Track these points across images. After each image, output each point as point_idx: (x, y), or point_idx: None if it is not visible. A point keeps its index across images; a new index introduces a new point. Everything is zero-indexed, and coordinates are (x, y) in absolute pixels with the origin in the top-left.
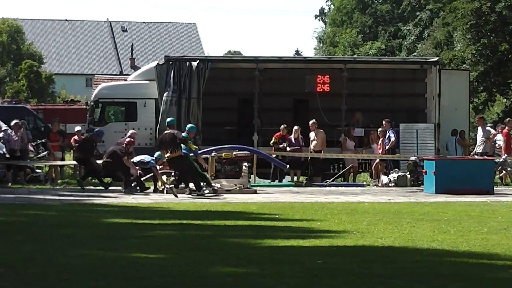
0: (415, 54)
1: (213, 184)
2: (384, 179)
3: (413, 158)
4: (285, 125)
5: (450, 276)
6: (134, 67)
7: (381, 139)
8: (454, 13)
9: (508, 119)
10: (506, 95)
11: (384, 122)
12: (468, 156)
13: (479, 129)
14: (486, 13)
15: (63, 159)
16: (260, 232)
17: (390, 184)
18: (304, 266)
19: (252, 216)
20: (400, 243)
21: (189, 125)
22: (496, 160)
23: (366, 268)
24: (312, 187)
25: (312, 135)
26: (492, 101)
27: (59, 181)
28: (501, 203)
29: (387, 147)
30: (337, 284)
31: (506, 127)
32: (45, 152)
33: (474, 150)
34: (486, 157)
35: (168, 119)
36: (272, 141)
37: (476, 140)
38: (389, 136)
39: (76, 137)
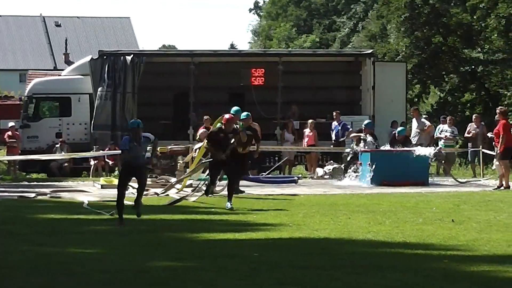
0: (350, 46)
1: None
2: (320, 171)
3: (347, 150)
4: (208, 117)
5: (387, 267)
6: (68, 62)
7: (311, 131)
8: (388, 6)
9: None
10: (441, 86)
11: (334, 113)
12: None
13: (414, 120)
14: (419, 5)
15: None
16: (196, 226)
17: (325, 176)
18: (243, 259)
19: (188, 210)
20: (336, 234)
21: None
22: (433, 152)
23: (304, 261)
24: (248, 180)
25: None
26: (426, 93)
27: None
28: (436, 194)
29: (345, 138)
30: (278, 276)
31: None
32: None
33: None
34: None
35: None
36: (197, 137)
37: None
38: (343, 127)
39: (10, 132)
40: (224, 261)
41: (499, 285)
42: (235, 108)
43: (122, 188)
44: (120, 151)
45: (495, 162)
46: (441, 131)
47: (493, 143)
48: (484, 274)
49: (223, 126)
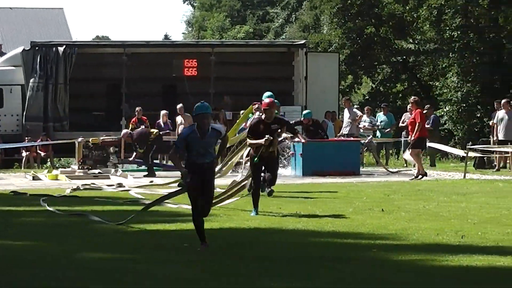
0: (283, 37)
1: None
2: None
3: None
4: (140, 108)
5: (316, 257)
6: (1, 54)
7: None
8: None
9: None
10: (373, 77)
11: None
12: (338, 137)
13: (346, 110)
14: None
15: None
16: (127, 217)
17: None
18: (177, 250)
19: (119, 201)
20: (266, 225)
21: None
22: (362, 142)
23: (237, 251)
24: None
25: (179, 119)
26: (358, 84)
27: None
28: (367, 184)
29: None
30: (213, 266)
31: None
32: None
33: (341, 132)
34: (355, 138)
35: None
36: (130, 128)
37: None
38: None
39: None
40: (157, 252)
41: (427, 273)
42: (268, 93)
43: (195, 199)
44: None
45: (407, 150)
46: (364, 121)
47: (407, 132)
48: (413, 262)
49: (262, 115)
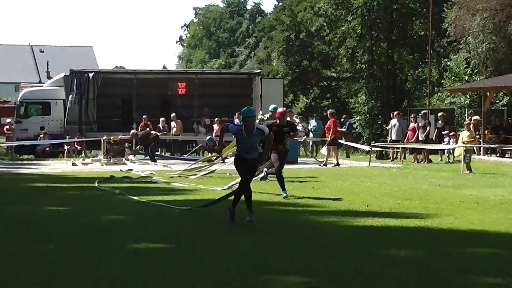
0: (245, 67)
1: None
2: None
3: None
4: (146, 116)
5: (271, 221)
6: (49, 77)
7: (218, 126)
8: (271, 40)
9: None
10: (307, 95)
11: (237, 114)
12: None
13: (288, 119)
14: (293, 40)
15: None
16: (137, 192)
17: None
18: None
19: (134, 180)
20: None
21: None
22: (300, 141)
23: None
24: (174, 159)
25: (173, 123)
26: (297, 100)
27: None
28: (302, 169)
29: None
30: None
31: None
32: None
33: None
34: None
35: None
36: (139, 130)
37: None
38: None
39: (7, 126)
40: (153, 214)
41: (343, 231)
42: (273, 105)
43: (245, 183)
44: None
45: (325, 147)
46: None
47: (326, 134)
48: (333, 223)
49: (277, 120)
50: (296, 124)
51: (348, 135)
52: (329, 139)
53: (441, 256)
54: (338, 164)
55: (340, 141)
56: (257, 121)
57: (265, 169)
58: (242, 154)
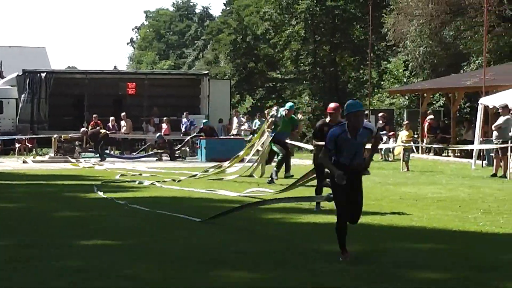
0: (194, 69)
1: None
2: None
3: (188, 137)
4: (96, 115)
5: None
6: (2, 77)
7: (167, 125)
8: (219, 42)
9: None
10: (253, 96)
11: (184, 113)
12: (229, 136)
13: (234, 118)
14: (240, 43)
15: None
16: (89, 188)
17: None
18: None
19: (82, 177)
20: (180, 193)
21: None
22: (246, 139)
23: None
24: (123, 159)
25: (123, 122)
26: (243, 100)
27: None
28: (249, 166)
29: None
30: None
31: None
32: None
33: (231, 132)
34: (239, 137)
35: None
36: (90, 129)
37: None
38: (190, 123)
39: None
40: (115, 210)
41: (289, 227)
42: (289, 103)
43: (342, 205)
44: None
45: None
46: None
47: None
48: (280, 219)
49: (327, 119)
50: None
51: (292, 134)
52: None
53: (383, 252)
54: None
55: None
56: (270, 119)
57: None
58: (344, 162)
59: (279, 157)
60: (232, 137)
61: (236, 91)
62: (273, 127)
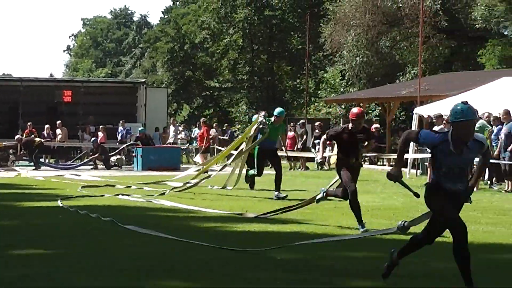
0: (131, 77)
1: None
2: (111, 160)
3: (124, 145)
4: (31, 123)
5: (152, 224)
6: None
7: (103, 133)
8: (156, 50)
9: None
10: (190, 104)
11: (121, 121)
12: (165, 145)
13: (171, 127)
14: (177, 51)
15: None
16: (19, 196)
17: (114, 163)
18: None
19: (14, 186)
20: (115, 202)
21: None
22: (182, 148)
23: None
24: (58, 168)
25: (58, 130)
26: (181, 109)
27: None
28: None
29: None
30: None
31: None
32: None
33: (168, 140)
34: (176, 145)
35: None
36: (24, 136)
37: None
38: (127, 131)
39: None
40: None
41: (223, 236)
42: (279, 108)
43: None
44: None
45: (198, 155)
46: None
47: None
48: (213, 228)
49: (350, 125)
50: (373, 130)
51: (229, 143)
52: (204, 147)
53: (318, 259)
54: (206, 172)
55: (221, 148)
56: (256, 125)
57: (324, 188)
58: (445, 184)
59: (251, 172)
60: (169, 145)
61: (173, 100)
62: (259, 134)
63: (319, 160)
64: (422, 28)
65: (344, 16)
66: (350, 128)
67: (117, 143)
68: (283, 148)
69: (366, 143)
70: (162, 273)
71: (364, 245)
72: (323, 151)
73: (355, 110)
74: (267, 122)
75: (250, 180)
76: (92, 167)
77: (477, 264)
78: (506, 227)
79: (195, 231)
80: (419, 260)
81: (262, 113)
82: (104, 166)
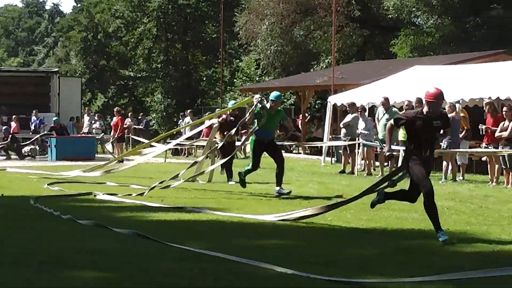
0: (44, 66)
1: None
2: (25, 150)
3: (38, 135)
4: None
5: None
6: None
7: (15, 123)
8: (70, 40)
9: None
10: (105, 94)
11: (34, 112)
12: (80, 134)
13: (85, 116)
14: (90, 40)
15: None
16: None
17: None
18: None
19: None
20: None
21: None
22: (97, 137)
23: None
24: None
25: None
26: (95, 99)
27: None
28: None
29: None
30: None
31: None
32: None
33: (83, 130)
34: (91, 135)
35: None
36: None
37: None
38: (40, 121)
39: None
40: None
41: (138, 226)
42: (275, 92)
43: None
44: None
45: (109, 144)
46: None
47: (112, 132)
48: (130, 218)
49: (424, 109)
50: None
51: (145, 133)
52: (116, 136)
53: (233, 248)
54: (122, 161)
55: (138, 138)
56: (251, 110)
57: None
58: None
59: (245, 168)
60: (83, 135)
61: (88, 89)
62: (255, 122)
63: (387, 153)
64: (335, 17)
65: (258, 5)
66: (425, 113)
67: (31, 133)
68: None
69: (442, 131)
70: (75, 264)
71: (277, 234)
72: (390, 142)
73: (432, 90)
74: (264, 108)
75: (243, 177)
76: (5, 157)
77: (387, 249)
78: (419, 213)
79: (113, 220)
80: (333, 247)
81: (257, 95)
82: (17, 157)
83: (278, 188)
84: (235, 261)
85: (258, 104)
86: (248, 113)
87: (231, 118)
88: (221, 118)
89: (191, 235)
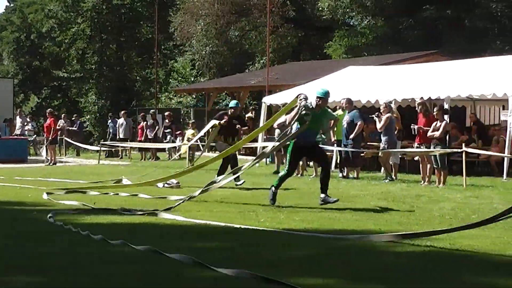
0: None
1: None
2: None
3: None
4: None
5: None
6: None
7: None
8: (2, 40)
9: None
10: (38, 95)
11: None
12: (12, 136)
13: (18, 118)
14: (23, 40)
15: None
16: None
17: None
18: None
19: None
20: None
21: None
22: (30, 139)
23: None
24: None
25: None
26: (28, 100)
27: None
28: (31, 168)
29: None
30: None
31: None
32: None
33: (15, 131)
34: (23, 137)
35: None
36: None
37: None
38: None
39: None
40: None
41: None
42: (322, 89)
43: None
44: None
45: (44, 147)
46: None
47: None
48: (63, 221)
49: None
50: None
51: (78, 134)
52: (50, 138)
53: (174, 250)
54: (55, 163)
55: (70, 140)
56: (295, 111)
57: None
58: None
59: (282, 173)
60: (16, 137)
61: (20, 90)
62: (296, 122)
63: None
64: (270, 18)
65: (193, 5)
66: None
67: None
68: (331, 138)
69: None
70: (9, 269)
71: (216, 237)
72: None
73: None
74: (310, 107)
75: (278, 187)
76: None
77: (319, 250)
78: (352, 213)
79: (46, 223)
80: (268, 249)
81: (303, 95)
82: None
83: (323, 195)
84: (171, 262)
85: (303, 105)
86: (291, 116)
87: (234, 120)
88: (223, 120)
89: (129, 236)
